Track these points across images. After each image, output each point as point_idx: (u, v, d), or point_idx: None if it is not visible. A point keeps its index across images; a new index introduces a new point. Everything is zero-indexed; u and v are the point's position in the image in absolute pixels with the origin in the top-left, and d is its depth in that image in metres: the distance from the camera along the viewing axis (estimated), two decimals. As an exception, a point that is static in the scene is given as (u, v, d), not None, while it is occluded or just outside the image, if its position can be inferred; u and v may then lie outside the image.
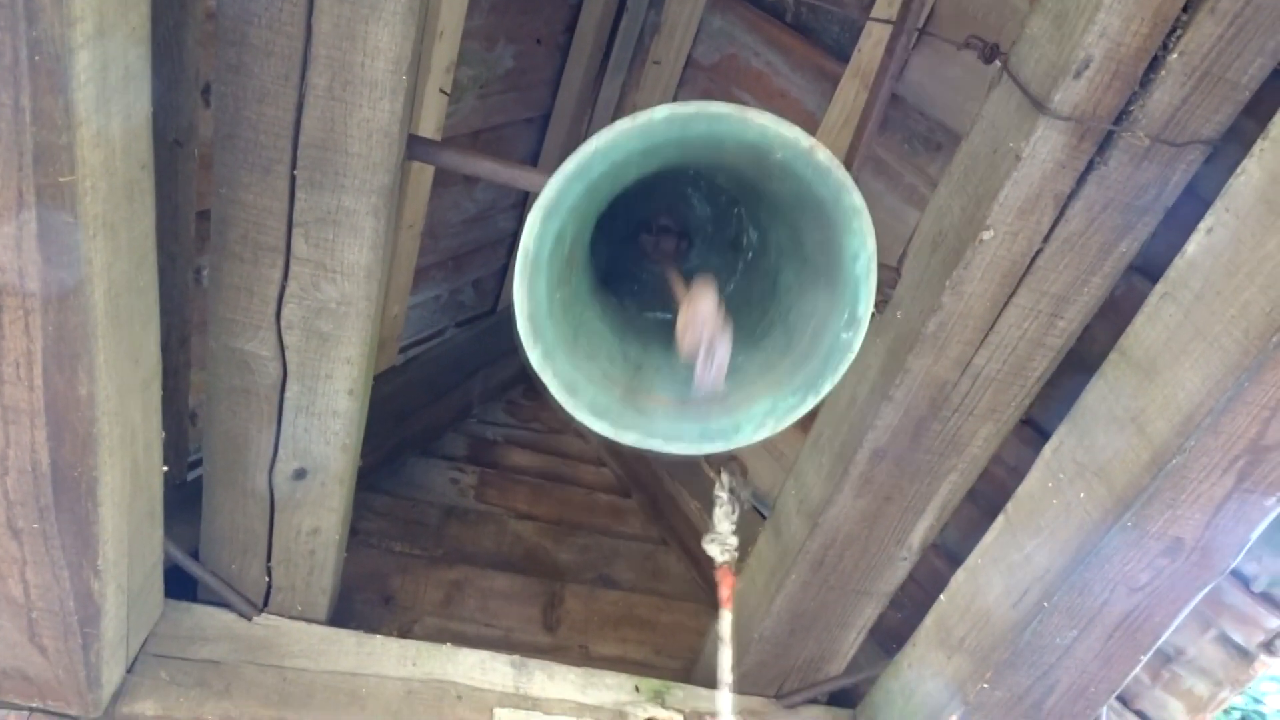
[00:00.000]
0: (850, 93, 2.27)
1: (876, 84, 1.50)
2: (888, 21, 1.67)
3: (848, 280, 1.14)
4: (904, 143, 2.28)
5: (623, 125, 1.03)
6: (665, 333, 1.29)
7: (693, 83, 2.77)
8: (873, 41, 2.21)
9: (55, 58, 1.04)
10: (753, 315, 1.39)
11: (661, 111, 1.04)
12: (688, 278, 1.26)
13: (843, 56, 2.33)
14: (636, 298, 1.51)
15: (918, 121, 2.23)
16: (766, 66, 2.58)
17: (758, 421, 1.26)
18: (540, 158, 2.94)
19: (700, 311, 1.12)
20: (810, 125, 2.45)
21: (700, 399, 1.14)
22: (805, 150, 1.06)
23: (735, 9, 2.61)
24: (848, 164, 1.56)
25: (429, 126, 2.27)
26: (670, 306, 1.32)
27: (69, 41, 1.04)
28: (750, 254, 1.48)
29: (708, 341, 1.11)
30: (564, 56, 2.77)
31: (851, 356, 1.20)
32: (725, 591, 1.63)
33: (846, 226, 1.11)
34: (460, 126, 2.57)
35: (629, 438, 1.24)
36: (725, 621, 1.61)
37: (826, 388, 1.23)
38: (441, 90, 2.24)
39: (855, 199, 1.09)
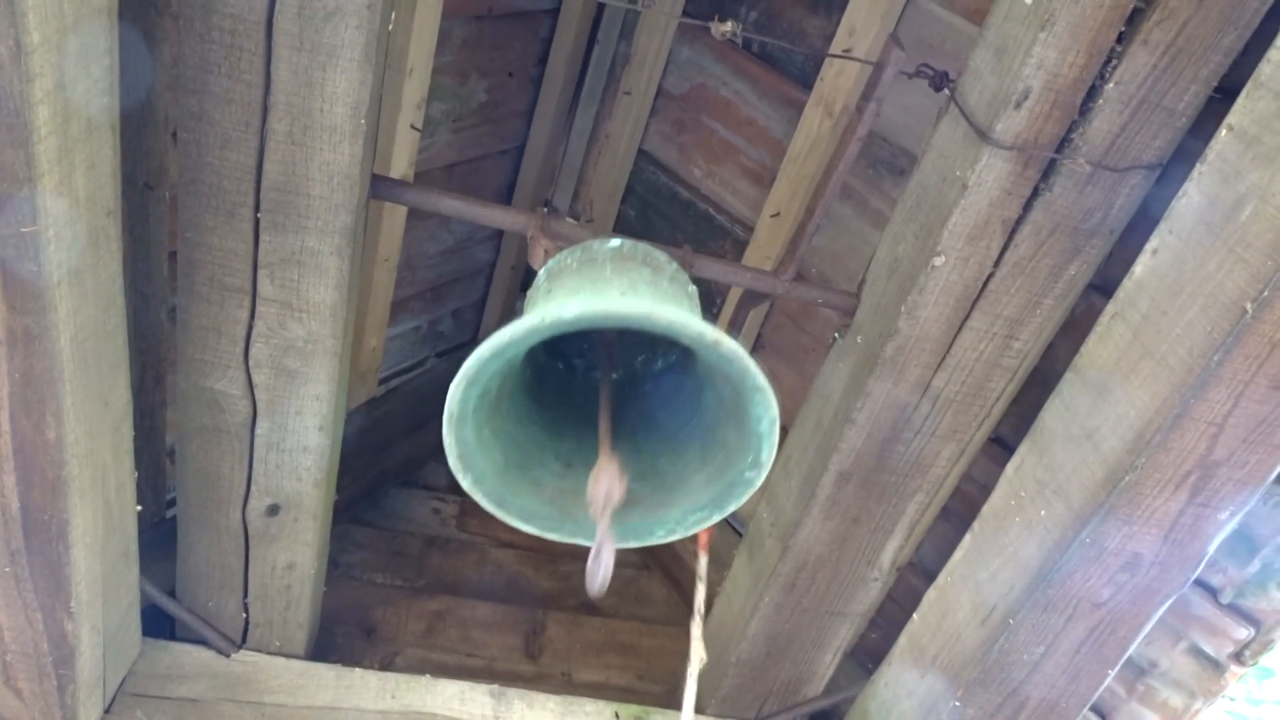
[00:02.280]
0: (814, 120, 2.31)
1: (843, 143, 1.54)
2: (845, 56, 1.71)
3: (753, 434, 1.25)
4: (869, 168, 2.32)
5: (531, 322, 1.14)
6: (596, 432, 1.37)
7: (664, 112, 2.82)
8: (834, 71, 2.25)
9: (15, 113, 1.06)
10: (679, 417, 1.51)
11: (571, 311, 1.13)
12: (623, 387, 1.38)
13: (807, 85, 2.38)
14: (576, 392, 1.59)
15: (881, 147, 2.28)
16: (735, 95, 2.63)
17: (669, 527, 1.38)
18: (515, 189, 2.98)
19: (598, 497, 1.23)
20: (778, 151, 2.50)
21: (592, 592, 1.25)
22: (711, 344, 1.16)
23: (703, 40, 2.66)
24: (807, 217, 1.61)
25: (402, 162, 2.30)
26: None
27: (28, 97, 1.06)
28: (680, 367, 1.57)
29: (598, 542, 1.22)
30: (537, 89, 2.82)
31: (754, 490, 1.31)
32: (704, 537, 1.67)
33: (750, 398, 1.22)
34: (435, 160, 2.61)
35: (555, 537, 1.36)
36: (702, 564, 1.66)
37: (731, 509, 1.35)
38: (413, 126, 2.27)
39: (758, 380, 1.19)
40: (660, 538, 1.41)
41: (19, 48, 1.03)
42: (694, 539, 1.59)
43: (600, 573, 1.26)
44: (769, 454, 1.29)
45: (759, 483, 1.32)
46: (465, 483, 1.30)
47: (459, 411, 1.22)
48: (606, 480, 1.26)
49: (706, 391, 1.49)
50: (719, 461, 1.39)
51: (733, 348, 1.19)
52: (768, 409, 1.24)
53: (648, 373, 1.64)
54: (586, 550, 3.06)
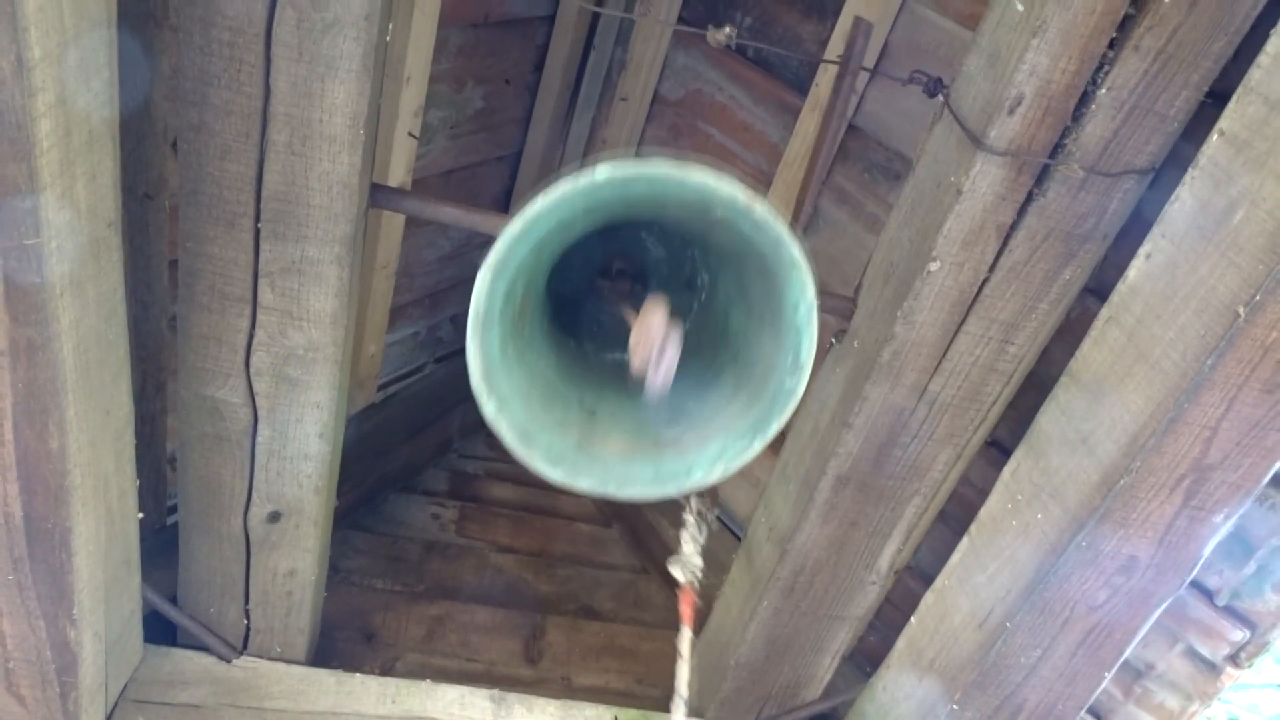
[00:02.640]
0: (810, 125, 2.33)
1: (825, 125, 1.55)
2: (837, 62, 1.72)
3: (790, 327, 1.18)
4: (864, 172, 2.33)
5: (563, 187, 1.06)
6: (621, 375, 1.32)
7: (660, 118, 2.83)
8: (829, 76, 2.27)
9: (17, 126, 1.07)
10: (704, 357, 1.42)
11: (602, 172, 1.06)
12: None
13: (802, 90, 2.39)
14: (593, 340, 1.55)
15: (876, 151, 2.29)
16: (730, 100, 2.64)
17: (709, 464, 1.28)
18: (513, 194, 2.99)
19: (650, 324, 1.15)
20: (774, 156, 2.51)
21: (651, 401, 1.17)
22: (744, 207, 1.09)
23: (699, 45, 2.67)
24: (799, 204, 1.61)
25: (399, 169, 2.31)
26: (626, 346, 1.35)
27: (30, 111, 1.07)
28: (704, 294, 1.52)
29: (659, 344, 1.14)
30: (533, 95, 2.83)
31: (796, 401, 1.22)
32: (687, 611, 1.66)
33: (786, 278, 1.14)
34: (432, 167, 2.62)
35: (584, 483, 1.26)
36: (684, 639, 1.65)
37: (773, 430, 1.26)
38: (410, 134, 2.28)
39: (793, 252, 1.12)
40: (699, 479, 1.30)
41: (20, 63, 1.04)
42: (671, 602, 1.56)
43: (663, 369, 1.15)
44: (808, 351, 1.19)
45: (799, 391, 1.22)
46: (489, 407, 1.17)
47: (485, 307, 1.11)
48: (650, 305, 1.17)
49: (733, 316, 1.40)
50: (755, 379, 1.29)
51: (767, 212, 1.11)
52: (804, 290, 1.16)
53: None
54: (584, 554, 3.04)
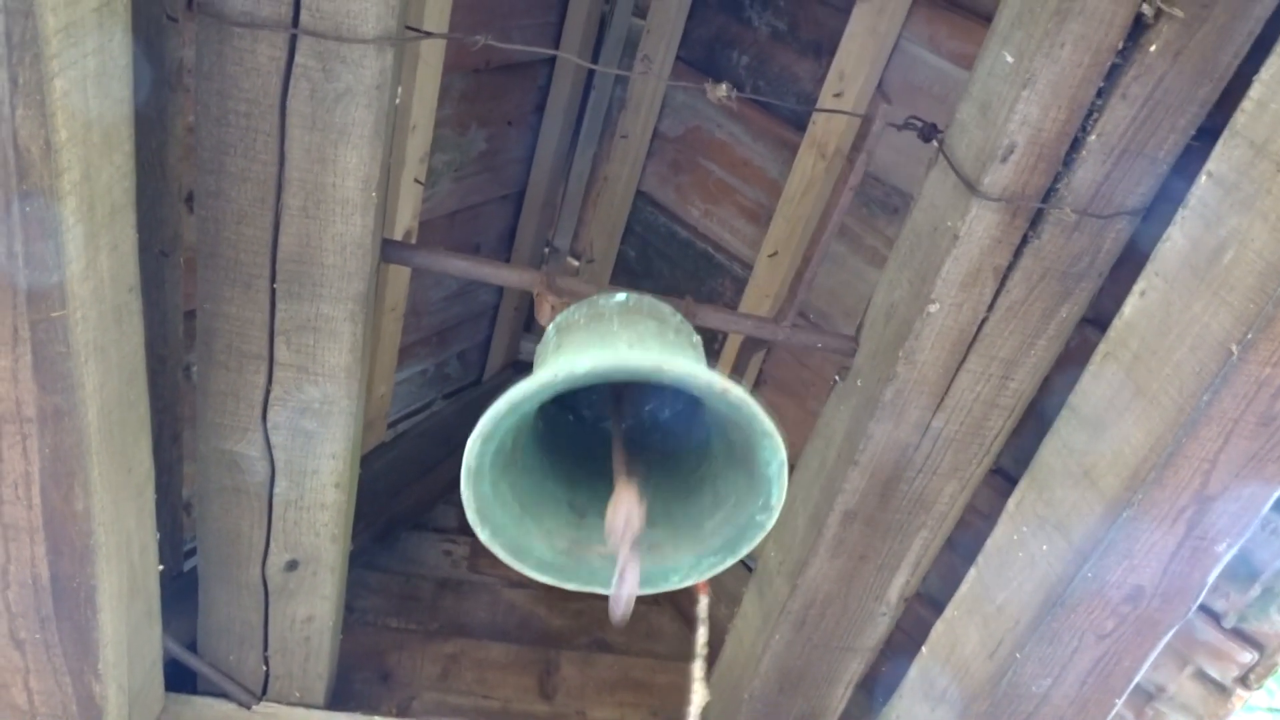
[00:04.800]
0: (808, 162, 2.37)
1: (835, 195, 1.59)
2: (835, 111, 1.76)
3: (763, 478, 1.28)
4: (863, 207, 2.37)
5: (544, 378, 1.18)
6: (609, 476, 1.41)
7: (660, 154, 2.87)
8: (825, 115, 2.31)
9: (45, 207, 1.12)
10: (689, 463, 1.54)
11: (582, 366, 1.18)
12: (632, 436, 1.41)
13: (800, 126, 2.44)
14: (587, 443, 1.63)
15: (874, 187, 2.33)
16: (729, 137, 2.69)
17: (684, 572, 1.42)
18: (517, 232, 3.03)
19: (617, 523, 1.25)
20: (774, 191, 2.55)
21: (614, 620, 1.28)
22: (719, 393, 1.20)
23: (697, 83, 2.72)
24: (804, 262, 1.65)
25: (406, 214, 2.36)
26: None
27: (57, 190, 1.12)
28: (688, 416, 1.61)
29: (620, 567, 1.24)
30: (535, 135, 2.88)
31: (765, 532, 1.34)
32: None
33: (759, 443, 1.25)
34: (438, 209, 2.66)
35: (572, 585, 1.40)
36: (702, 605, 1.69)
37: (743, 553, 1.39)
38: (416, 180, 2.33)
39: (766, 426, 1.23)
40: (675, 584, 1.44)
41: (49, 146, 1.08)
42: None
43: (624, 598, 1.26)
44: (779, 497, 1.31)
45: (769, 526, 1.35)
46: (483, 536, 1.33)
47: (476, 466, 1.26)
48: (626, 504, 1.25)
49: (715, 438, 1.52)
50: (730, 506, 1.42)
51: (740, 395, 1.22)
52: (775, 453, 1.27)
53: (656, 422, 1.68)
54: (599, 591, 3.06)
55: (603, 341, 1.39)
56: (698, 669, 1.68)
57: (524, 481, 1.46)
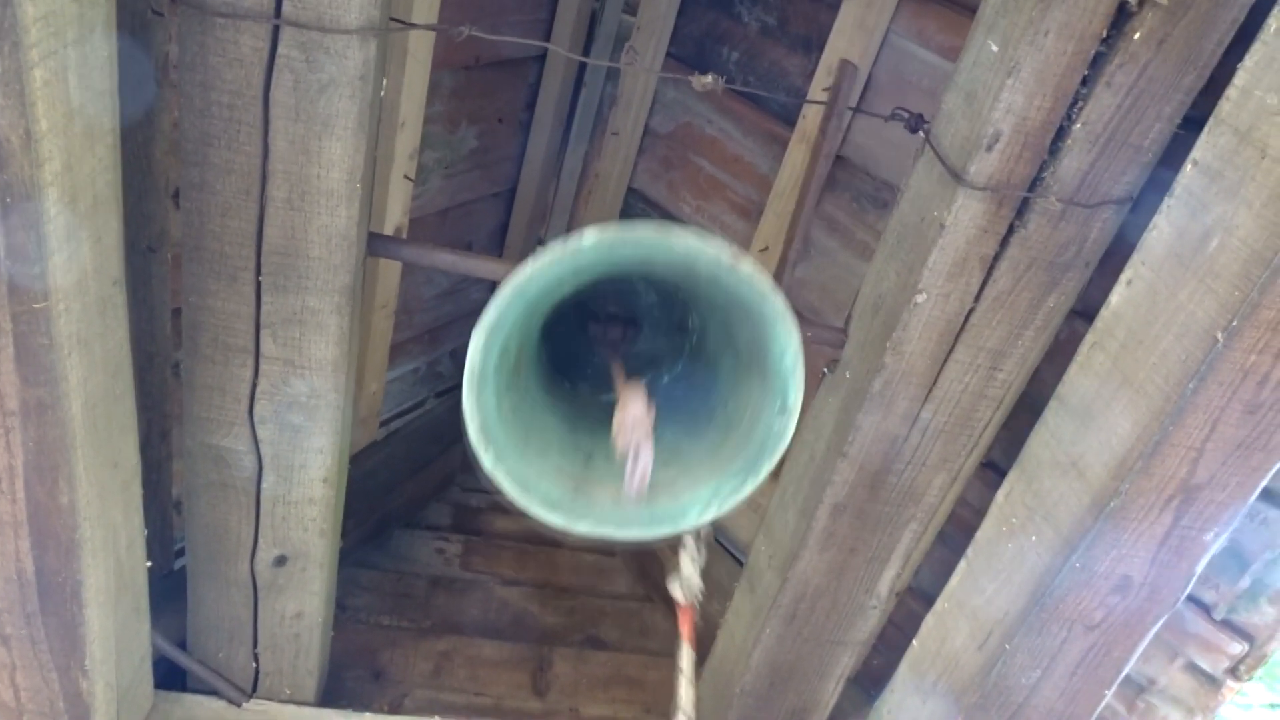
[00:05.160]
0: (798, 157, 2.37)
1: (811, 165, 1.59)
2: (822, 103, 1.76)
3: (777, 373, 1.21)
4: (853, 201, 2.37)
5: (551, 251, 1.11)
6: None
7: (651, 151, 2.87)
8: (815, 109, 2.31)
9: (25, 197, 1.11)
10: (695, 400, 1.46)
11: (589, 238, 1.11)
12: (630, 368, 1.34)
13: (790, 121, 2.44)
14: (589, 382, 1.58)
15: (864, 181, 2.33)
16: (720, 133, 2.69)
17: (703, 505, 1.32)
18: (508, 230, 3.03)
19: (627, 417, 1.19)
20: (764, 186, 2.55)
21: (629, 502, 1.21)
22: (729, 265, 1.14)
23: (688, 80, 2.72)
24: (788, 242, 1.65)
25: (396, 211, 2.35)
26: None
27: (38, 181, 1.11)
28: (694, 337, 1.56)
29: (633, 449, 1.18)
30: (526, 133, 2.87)
31: (785, 443, 1.26)
32: (686, 629, 1.68)
33: (772, 328, 1.18)
34: (428, 206, 2.66)
35: (581, 527, 1.31)
36: (685, 657, 1.67)
37: (765, 471, 1.29)
38: (406, 177, 2.32)
39: (778, 304, 1.16)
40: (693, 519, 1.34)
41: (29, 135, 1.08)
42: (677, 629, 1.60)
43: (638, 477, 1.18)
44: (795, 395, 1.23)
45: (789, 432, 1.26)
46: (486, 459, 1.22)
47: (480, 366, 1.16)
48: (635, 402, 1.20)
49: (722, 361, 1.43)
50: (745, 422, 1.32)
51: (752, 268, 1.15)
52: (790, 339, 1.19)
53: (657, 384, 1.60)
54: (588, 584, 3.07)
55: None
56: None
57: (527, 411, 1.36)
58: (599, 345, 1.58)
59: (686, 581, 1.64)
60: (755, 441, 1.28)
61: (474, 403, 1.16)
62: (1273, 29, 1.24)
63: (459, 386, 3.40)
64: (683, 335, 1.59)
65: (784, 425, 1.24)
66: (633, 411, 1.20)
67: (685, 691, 1.63)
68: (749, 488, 1.30)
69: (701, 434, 1.40)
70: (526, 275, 1.11)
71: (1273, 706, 3.51)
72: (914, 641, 1.91)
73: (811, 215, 1.66)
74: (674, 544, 2.93)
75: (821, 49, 2.30)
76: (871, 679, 2.41)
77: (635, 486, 1.18)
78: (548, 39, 2.67)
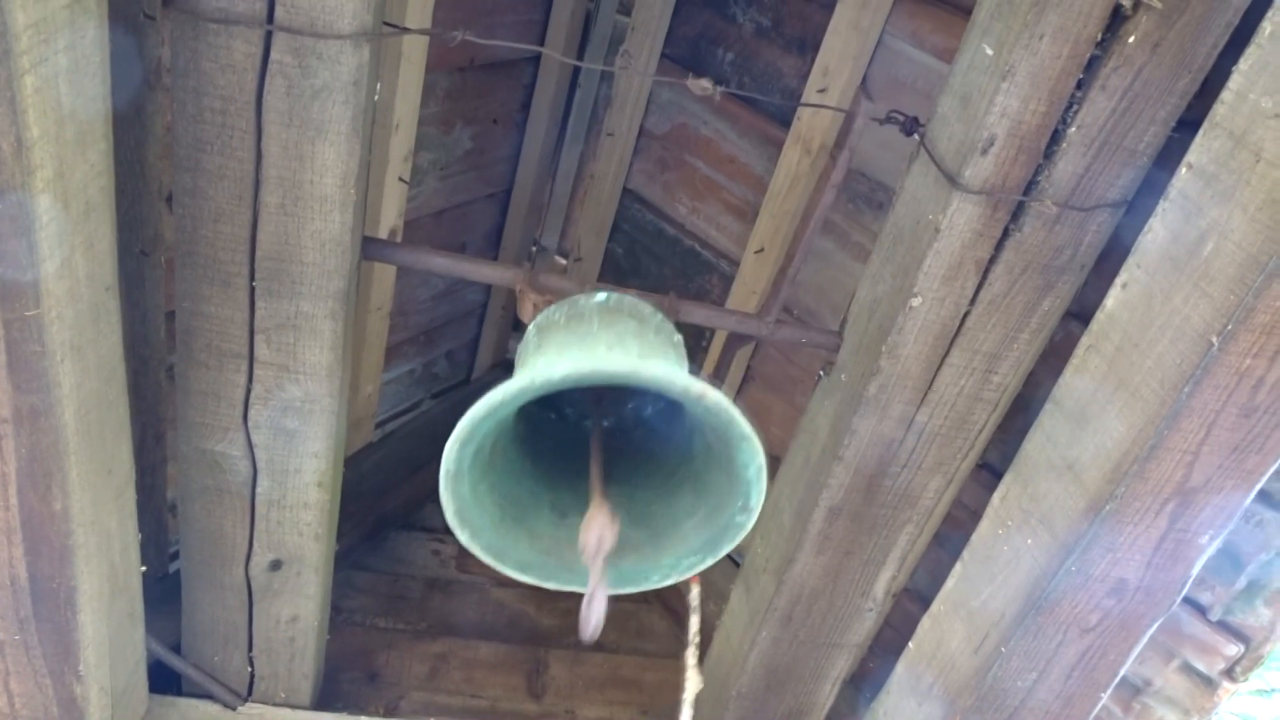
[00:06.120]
0: (793, 158, 2.37)
1: (818, 192, 1.58)
2: (819, 105, 1.76)
3: (741, 480, 1.28)
4: (849, 202, 2.37)
5: (523, 381, 1.17)
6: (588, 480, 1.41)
7: (646, 151, 2.87)
8: (810, 111, 2.31)
9: (18, 204, 1.11)
10: (670, 463, 1.54)
11: (559, 371, 1.18)
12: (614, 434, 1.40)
13: (785, 122, 2.43)
14: (568, 441, 1.63)
15: (860, 182, 2.33)
16: (715, 134, 2.68)
17: (664, 572, 1.42)
18: (504, 231, 3.03)
19: (590, 543, 1.26)
20: (759, 187, 2.55)
21: (584, 636, 1.29)
22: (696, 398, 1.20)
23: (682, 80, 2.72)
24: (786, 259, 1.65)
25: (391, 213, 2.35)
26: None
27: (30, 188, 1.11)
28: (671, 411, 1.60)
29: (590, 589, 1.25)
30: (521, 134, 2.87)
31: (745, 532, 1.34)
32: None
33: (738, 446, 1.25)
34: (424, 208, 2.66)
35: (552, 585, 1.41)
36: (694, 594, 1.68)
37: (723, 553, 1.39)
38: (401, 179, 2.32)
39: (744, 430, 1.23)
40: (655, 583, 1.44)
41: (20, 143, 1.07)
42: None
43: (594, 619, 1.29)
44: (758, 499, 1.32)
45: (749, 527, 1.36)
46: (463, 538, 1.34)
47: (455, 469, 1.26)
48: (598, 526, 1.29)
49: (696, 438, 1.52)
50: (710, 506, 1.42)
51: (718, 400, 1.23)
52: (754, 456, 1.27)
53: (638, 420, 1.68)
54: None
55: (581, 343, 1.39)
56: (691, 656, 1.67)
57: (505, 482, 1.46)
58: (575, 410, 1.65)
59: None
60: (717, 525, 1.37)
61: (450, 496, 1.26)
62: (1267, 32, 1.24)
63: (455, 387, 3.39)
64: (660, 404, 1.64)
65: (744, 521, 1.33)
66: (594, 533, 1.27)
67: (694, 622, 1.66)
68: (708, 563, 1.40)
69: (672, 501, 1.48)
70: (497, 400, 1.18)
71: (1264, 693, 3.53)
72: (910, 644, 1.91)
73: (814, 239, 1.66)
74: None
75: (816, 50, 2.30)
76: (868, 681, 2.41)
77: (589, 632, 1.27)
78: (542, 40, 2.66)
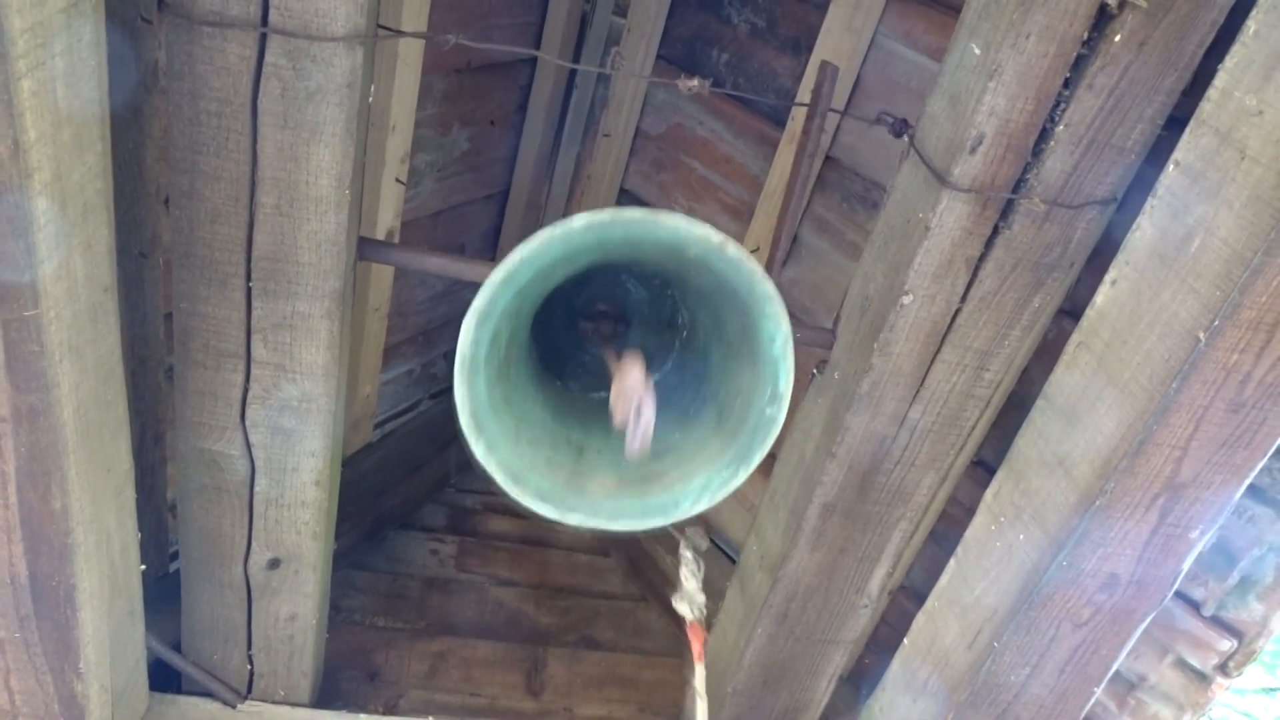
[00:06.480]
0: (788, 158, 2.38)
1: (796, 166, 1.60)
2: (805, 104, 1.77)
3: (767, 360, 1.22)
4: (843, 201, 2.38)
5: (543, 235, 1.12)
6: (607, 413, 1.36)
7: (643, 152, 2.88)
8: (804, 110, 2.32)
9: (15, 206, 1.12)
10: (687, 393, 1.47)
11: (579, 220, 1.12)
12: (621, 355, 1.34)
13: (780, 122, 2.45)
14: (579, 379, 1.59)
15: (853, 181, 2.34)
16: (711, 134, 2.69)
17: (695, 496, 1.33)
18: (501, 233, 3.04)
19: (628, 382, 1.19)
20: (755, 187, 2.56)
21: (632, 460, 1.21)
22: (716, 246, 1.14)
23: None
24: (775, 240, 1.66)
25: (388, 215, 2.36)
26: (610, 387, 1.40)
27: (27, 190, 1.12)
28: (684, 332, 1.57)
29: (636, 404, 1.18)
30: (518, 135, 2.88)
31: (777, 430, 1.27)
32: (697, 646, 1.69)
33: (761, 312, 1.18)
34: (421, 209, 2.67)
35: (573, 519, 1.31)
36: (699, 676, 1.68)
37: (757, 460, 1.30)
38: (398, 180, 2.33)
39: (767, 287, 1.17)
40: (687, 510, 1.34)
41: (17, 145, 1.08)
42: (689, 647, 1.60)
43: (640, 431, 1.18)
44: (786, 380, 1.23)
45: (780, 420, 1.26)
46: (478, 449, 1.22)
47: (471, 353, 1.17)
48: (633, 370, 1.20)
49: (712, 352, 1.44)
50: (736, 412, 1.33)
51: (739, 252, 1.15)
52: (780, 323, 1.19)
53: (648, 359, 1.59)
54: (582, 584, 3.07)
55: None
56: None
57: (518, 402, 1.36)
58: (590, 341, 1.59)
59: (691, 597, 1.66)
60: (747, 430, 1.28)
61: (465, 390, 1.16)
62: (1251, 31, 1.25)
63: (453, 388, 3.39)
64: (672, 331, 1.60)
65: (775, 411, 1.24)
66: (632, 376, 1.20)
67: (700, 709, 1.62)
68: (741, 477, 1.30)
69: (693, 426, 1.40)
70: (518, 259, 1.12)
71: (1269, 691, 3.54)
72: (905, 640, 1.93)
73: (798, 216, 1.67)
74: (666, 543, 2.95)
75: (810, 50, 2.31)
76: (863, 677, 2.43)
77: (639, 442, 1.18)
78: (538, 41, 2.67)
